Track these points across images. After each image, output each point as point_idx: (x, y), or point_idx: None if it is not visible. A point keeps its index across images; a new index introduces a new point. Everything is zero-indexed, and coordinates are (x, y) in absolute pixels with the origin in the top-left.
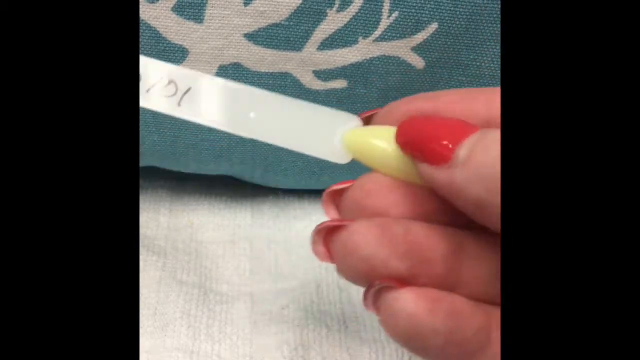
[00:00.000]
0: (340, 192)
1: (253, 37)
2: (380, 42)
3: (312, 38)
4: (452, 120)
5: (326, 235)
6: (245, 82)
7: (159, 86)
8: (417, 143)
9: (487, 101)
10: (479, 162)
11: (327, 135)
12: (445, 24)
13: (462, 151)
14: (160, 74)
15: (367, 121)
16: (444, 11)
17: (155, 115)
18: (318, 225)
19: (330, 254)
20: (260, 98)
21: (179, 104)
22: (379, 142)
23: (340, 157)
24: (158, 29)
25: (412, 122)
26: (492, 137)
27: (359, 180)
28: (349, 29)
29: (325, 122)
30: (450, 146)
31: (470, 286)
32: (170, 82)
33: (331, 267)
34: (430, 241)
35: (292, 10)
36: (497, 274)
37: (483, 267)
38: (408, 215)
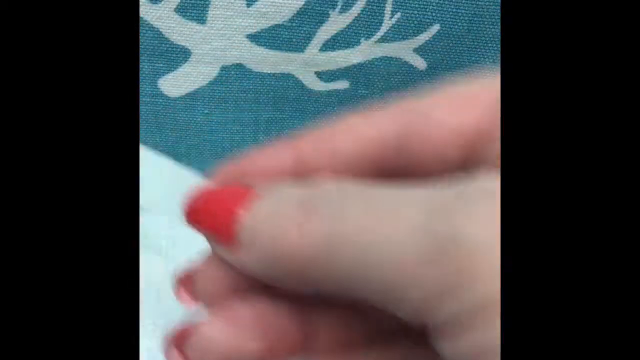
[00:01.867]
0: (190, 277)
1: (255, 38)
2: (382, 44)
3: (314, 39)
4: (226, 194)
5: (178, 342)
6: (247, 83)
7: None
8: (202, 226)
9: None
10: (258, 244)
11: None
12: (447, 26)
13: (243, 233)
14: None
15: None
16: (445, 13)
17: (156, 116)
18: (167, 336)
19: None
20: None
21: None
22: None
23: None
24: (161, 30)
25: (193, 201)
26: (266, 209)
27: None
28: (351, 30)
29: None
30: (230, 229)
31: (329, 341)
32: None
33: None
34: (280, 314)
35: (295, 12)
36: (350, 318)
37: (335, 317)
38: (246, 285)
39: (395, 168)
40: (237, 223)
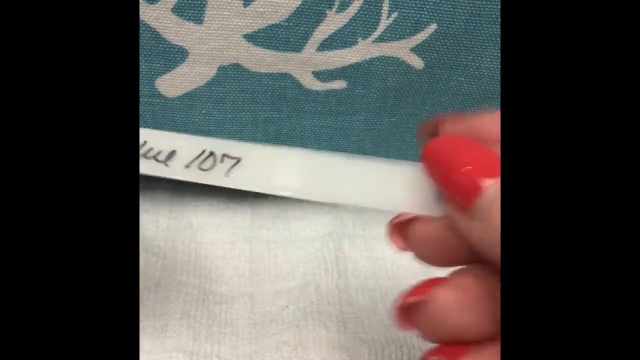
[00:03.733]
0: (406, 223)
1: (253, 37)
2: (379, 43)
3: (311, 39)
4: (478, 153)
5: (409, 308)
6: (245, 83)
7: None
8: (440, 177)
9: None
10: (496, 221)
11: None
12: (444, 25)
13: (483, 203)
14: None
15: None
16: (443, 12)
17: (154, 116)
18: (399, 302)
19: (413, 323)
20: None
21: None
22: None
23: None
24: (158, 30)
25: (438, 149)
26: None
27: (422, 221)
28: (348, 29)
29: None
30: (472, 196)
31: None
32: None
33: (330, 267)
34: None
35: (292, 11)
36: None
37: None
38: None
39: None
40: (481, 193)
